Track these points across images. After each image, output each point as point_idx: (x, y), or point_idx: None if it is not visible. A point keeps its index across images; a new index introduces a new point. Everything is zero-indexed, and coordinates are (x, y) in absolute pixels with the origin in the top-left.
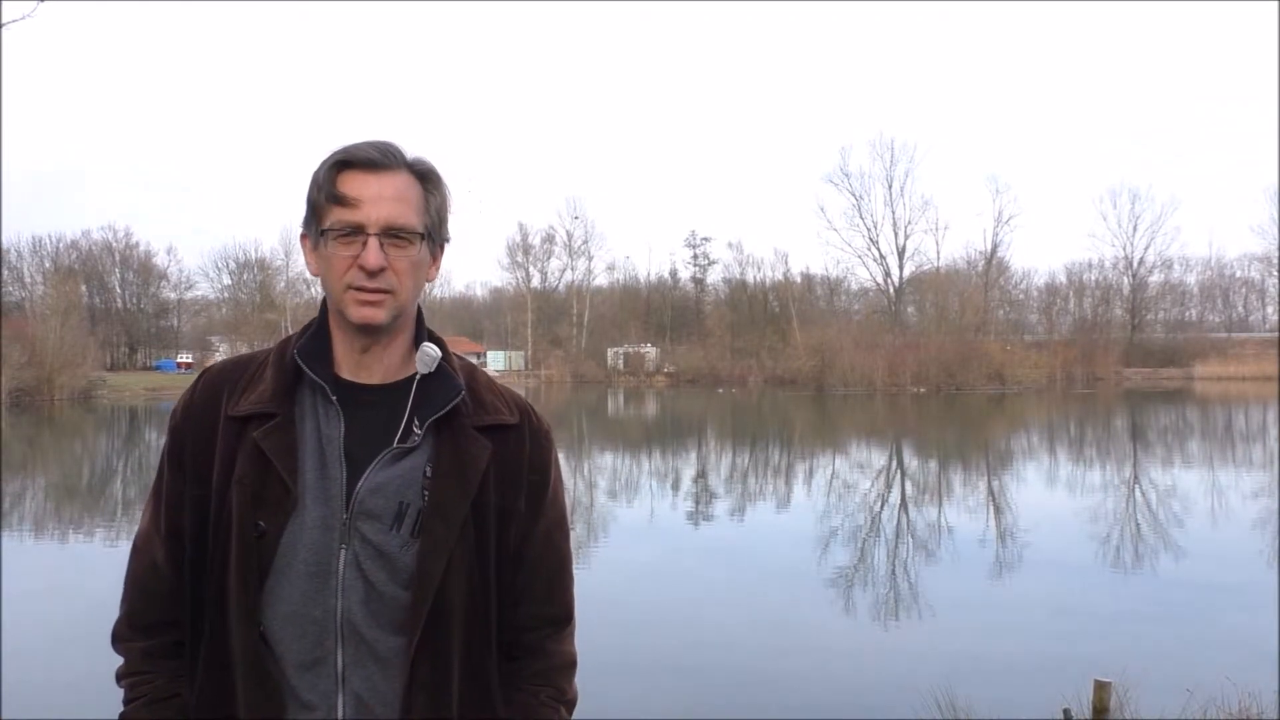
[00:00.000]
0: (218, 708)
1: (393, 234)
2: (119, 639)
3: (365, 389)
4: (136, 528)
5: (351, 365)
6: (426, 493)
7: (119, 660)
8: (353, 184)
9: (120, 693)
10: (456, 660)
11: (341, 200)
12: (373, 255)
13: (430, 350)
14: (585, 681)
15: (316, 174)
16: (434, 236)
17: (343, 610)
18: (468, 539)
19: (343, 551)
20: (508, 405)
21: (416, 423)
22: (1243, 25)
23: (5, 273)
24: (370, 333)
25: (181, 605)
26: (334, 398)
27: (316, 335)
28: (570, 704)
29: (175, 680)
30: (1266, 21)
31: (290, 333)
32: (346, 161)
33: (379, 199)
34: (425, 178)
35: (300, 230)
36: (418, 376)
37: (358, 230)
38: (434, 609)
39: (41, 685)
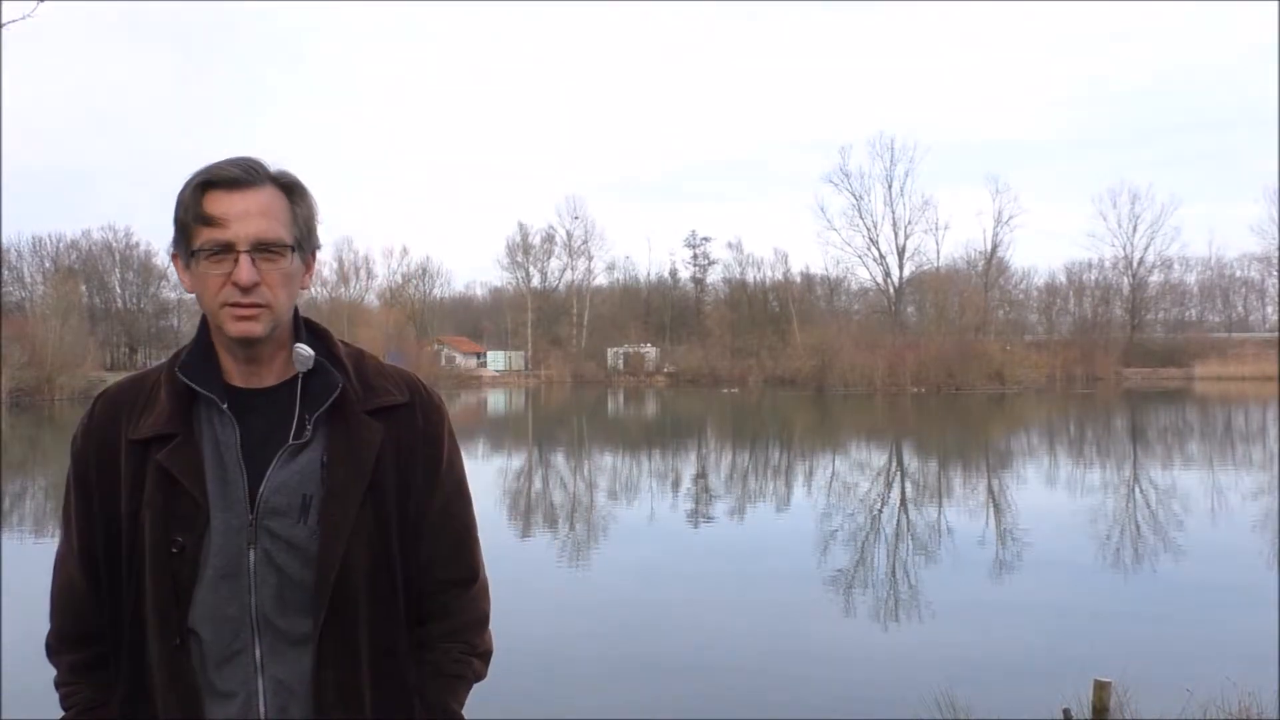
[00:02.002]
0: (140, 714)
1: (263, 249)
2: (50, 651)
3: (255, 394)
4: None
5: (240, 372)
6: (323, 482)
7: None
8: (218, 203)
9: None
10: (364, 635)
11: (209, 220)
12: (245, 272)
13: (302, 350)
14: (585, 681)
15: (181, 195)
16: (304, 246)
17: (256, 605)
18: (367, 519)
19: (251, 551)
20: (397, 386)
21: (307, 418)
22: (1242, 25)
23: (5, 273)
24: (249, 345)
25: (102, 620)
26: (224, 406)
27: (201, 350)
28: (483, 656)
29: (103, 690)
30: (1266, 21)
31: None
32: (210, 182)
33: (246, 216)
34: (290, 190)
35: (171, 251)
36: (300, 375)
37: (228, 249)
38: (338, 589)
39: (41, 685)
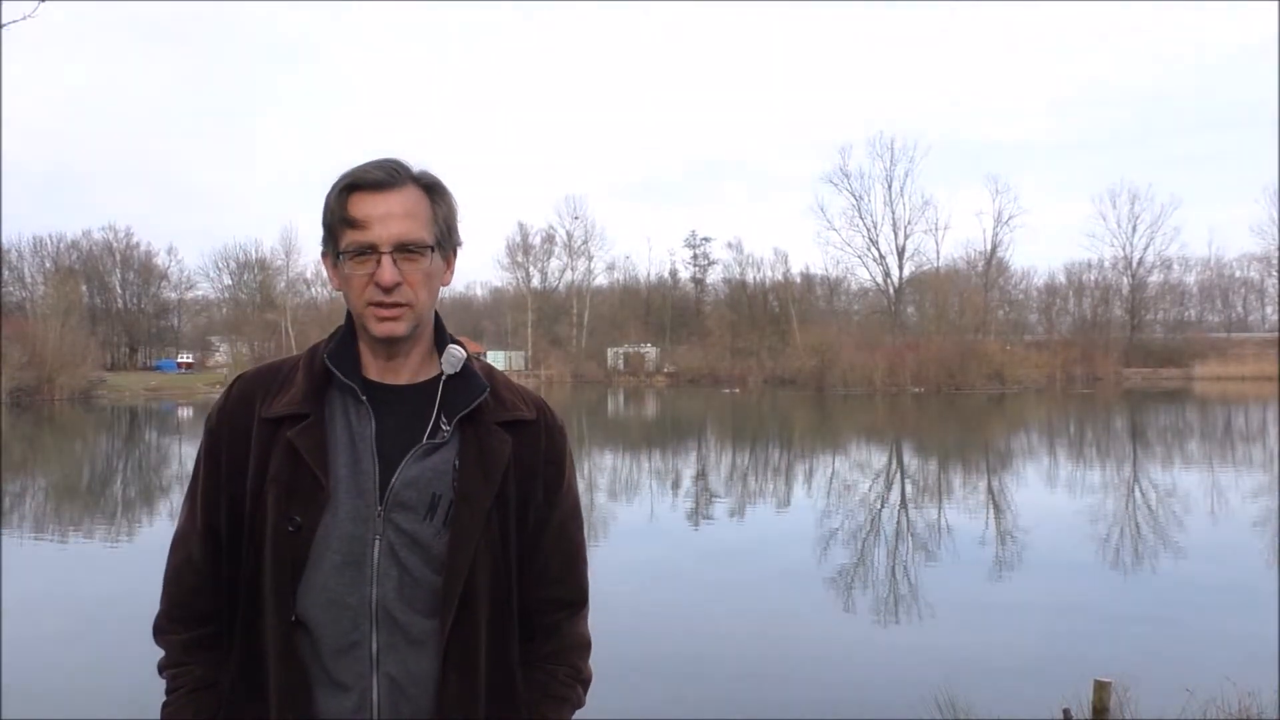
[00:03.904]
0: (252, 693)
1: (404, 249)
2: (159, 632)
3: (393, 389)
4: (176, 525)
5: (378, 368)
6: (455, 485)
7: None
8: (362, 205)
9: (163, 684)
10: (483, 639)
11: (353, 223)
12: (387, 273)
13: (456, 351)
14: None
15: (328, 198)
16: (445, 245)
17: (377, 597)
18: (491, 527)
19: (376, 541)
20: (525, 402)
21: (445, 420)
22: (1242, 25)
23: (5, 273)
24: (392, 344)
25: (217, 598)
26: (364, 398)
27: (344, 341)
28: (586, 682)
29: (212, 670)
30: (1266, 21)
31: (291, 333)
32: (354, 184)
33: (388, 218)
34: (431, 189)
35: (321, 250)
36: (444, 376)
37: (371, 249)
38: (463, 593)
39: (41, 685)
